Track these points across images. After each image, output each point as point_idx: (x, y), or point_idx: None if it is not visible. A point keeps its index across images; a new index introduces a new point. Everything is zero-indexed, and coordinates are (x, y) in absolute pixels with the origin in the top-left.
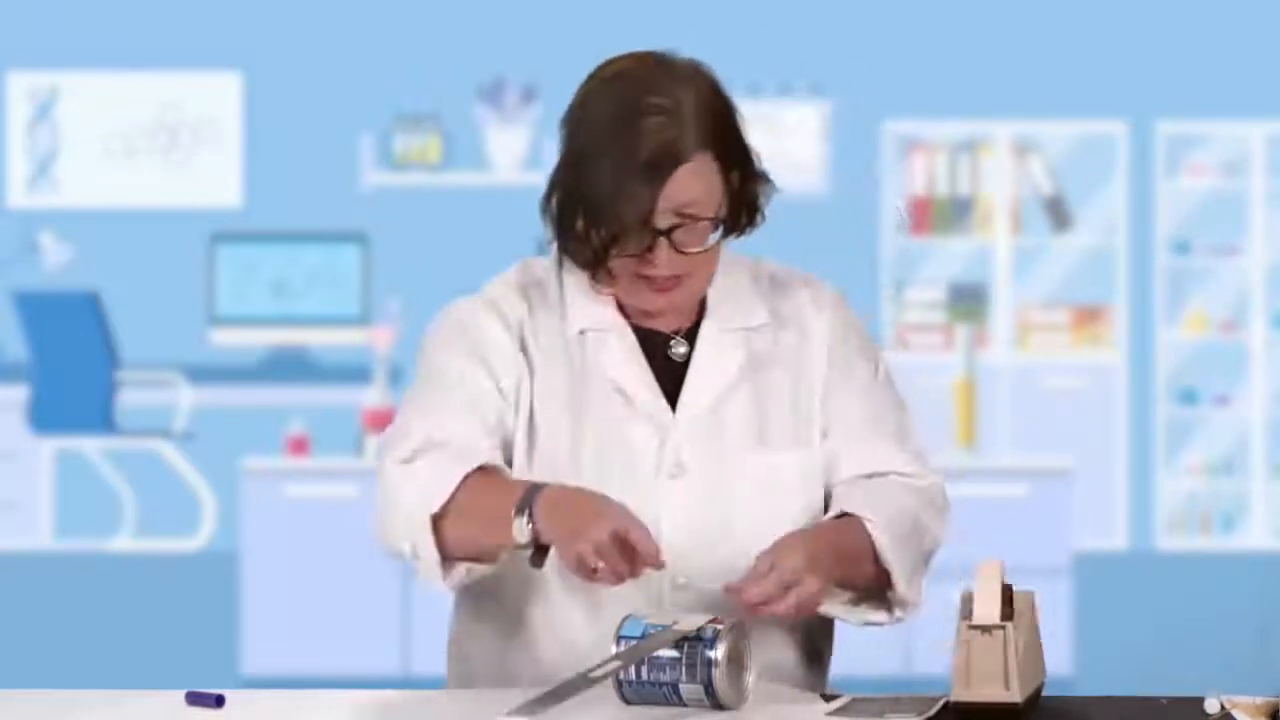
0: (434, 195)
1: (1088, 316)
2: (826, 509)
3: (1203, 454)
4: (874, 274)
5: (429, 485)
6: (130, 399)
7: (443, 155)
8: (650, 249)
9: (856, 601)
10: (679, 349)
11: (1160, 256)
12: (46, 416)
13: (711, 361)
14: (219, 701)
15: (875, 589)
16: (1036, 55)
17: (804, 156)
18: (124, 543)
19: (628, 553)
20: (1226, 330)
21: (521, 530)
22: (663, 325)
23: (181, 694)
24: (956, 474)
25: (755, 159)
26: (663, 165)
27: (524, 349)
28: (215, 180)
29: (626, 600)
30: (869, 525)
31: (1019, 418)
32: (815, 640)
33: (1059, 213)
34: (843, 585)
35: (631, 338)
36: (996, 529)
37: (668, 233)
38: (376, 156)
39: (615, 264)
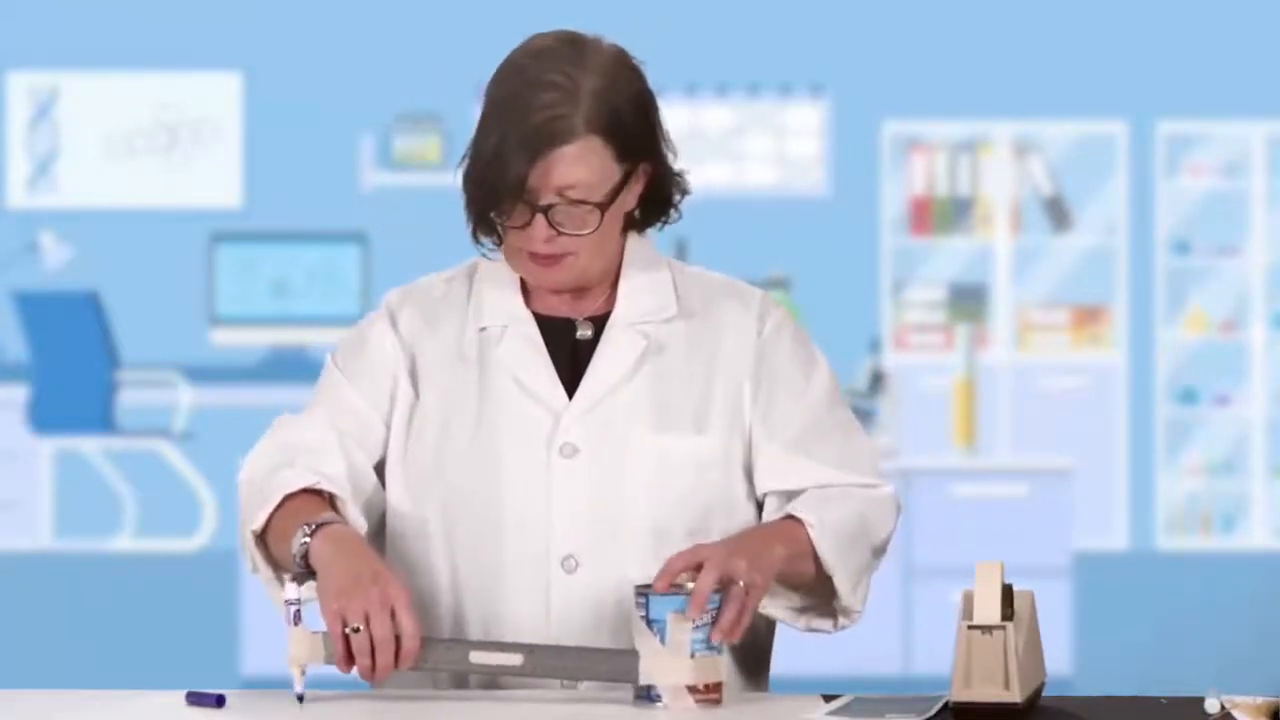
0: (434, 195)
1: (1088, 316)
2: (752, 507)
3: (1203, 454)
4: (874, 274)
5: (267, 492)
6: (130, 399)
7: (443, 155)
8: (529, 223)
9: (801, 609)
10: (584, 332)
11: (1160, 256)
12: (46, 416)
13: (612, 350)
14: (219, 701)
15: (820, 598)
16: (1036, 55)
17: (804, 156)
18: (124, 543)
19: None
20: (1226, 330)
21: (299, 543)
22: (573, 312)
23: (181, 694)
24: (957, 474)
25: (671, 154)
26: (543, 142)
27: (412, 355)
28: (215, 180)
29: (515, 572)
30: (810, 530)
31: (1019, 418)
32: (760, 645)
33: (1059, 213)
34: (784, 584)
35: (533, 329)
36: (996, 529)
37: (545, 210)
38: (376, 156)
39: (501, 230)
